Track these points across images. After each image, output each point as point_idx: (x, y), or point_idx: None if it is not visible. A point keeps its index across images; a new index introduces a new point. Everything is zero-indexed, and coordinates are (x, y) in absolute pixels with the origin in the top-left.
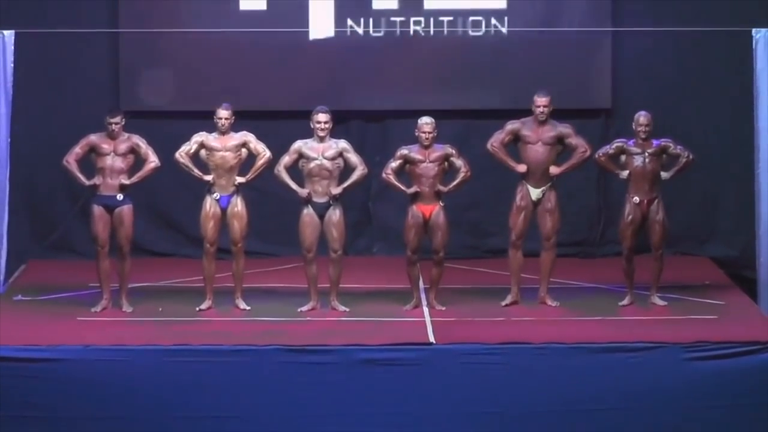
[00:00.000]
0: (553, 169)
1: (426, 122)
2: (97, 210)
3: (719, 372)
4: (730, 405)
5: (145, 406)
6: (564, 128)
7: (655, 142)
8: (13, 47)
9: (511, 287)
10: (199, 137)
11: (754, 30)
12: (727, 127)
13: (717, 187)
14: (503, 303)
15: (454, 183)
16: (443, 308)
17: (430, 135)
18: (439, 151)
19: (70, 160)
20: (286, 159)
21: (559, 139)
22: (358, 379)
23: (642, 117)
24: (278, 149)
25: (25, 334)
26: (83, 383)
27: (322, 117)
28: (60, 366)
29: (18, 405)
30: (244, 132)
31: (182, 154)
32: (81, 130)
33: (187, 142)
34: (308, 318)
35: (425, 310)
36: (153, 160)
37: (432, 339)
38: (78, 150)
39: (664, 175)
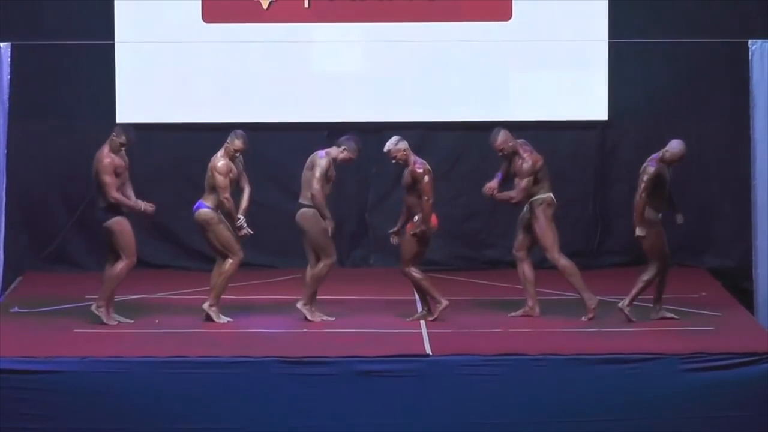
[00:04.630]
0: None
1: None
2: (127, 223)
3: (716, 383)
4: (727, 416)
5: (143, 418)
6: (520, 159)
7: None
8: (9, 59)
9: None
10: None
11: (750, 41)
12: (724, 138)
13: (714, 198)
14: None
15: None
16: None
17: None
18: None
19: (116, 195)
20: (324, 182)
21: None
22: (355, 390)
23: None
24: (277, 160)
25: (22, 346)
26: (80, 395)
27: (356, 155)
28: (57, 378)
29: (15, 417)
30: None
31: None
32: (78, 143)
33: None
34: (305, 329)
35: (422, 321)
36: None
37: (429, 350)
38: (112, 181)
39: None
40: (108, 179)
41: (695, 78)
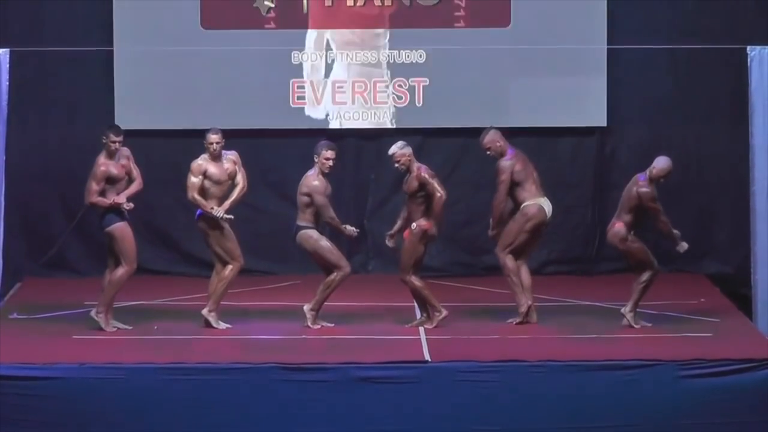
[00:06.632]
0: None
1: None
2: (129, 229)
3: (715, 390)
4: (725, 423)
5: (141, 424)
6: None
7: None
8: (8, 65)
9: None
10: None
11: (749, 47)
12: (723, 144)
13: (712, 204)
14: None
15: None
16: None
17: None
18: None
19: (93, 200)
20: (329, 204)
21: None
22: (354, 396)
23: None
24: (276, 167)
25: (21, 352)
26: (79, 401)
27: (332, 154)
28: (56, 384)
29: (13, 423)
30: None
31: (195, 196)
32: (76, 149)
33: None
34: (304, 336)
35: (420, 328)
36: (139, 181)
37: (427, 357)
38: (95, 188)
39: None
40: (93, 185)
41: (694, 84)
